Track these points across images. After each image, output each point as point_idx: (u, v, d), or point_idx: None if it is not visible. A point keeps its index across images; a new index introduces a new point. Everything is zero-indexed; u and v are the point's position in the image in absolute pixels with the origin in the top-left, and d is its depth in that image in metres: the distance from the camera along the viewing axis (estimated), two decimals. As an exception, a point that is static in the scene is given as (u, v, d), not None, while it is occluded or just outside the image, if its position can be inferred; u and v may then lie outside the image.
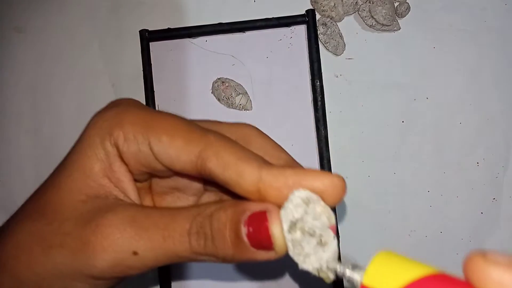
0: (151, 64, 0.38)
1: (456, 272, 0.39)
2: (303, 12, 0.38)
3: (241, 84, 0.38)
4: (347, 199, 0.37)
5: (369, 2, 0.38)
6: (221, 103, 0.38)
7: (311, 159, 0.37)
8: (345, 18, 0.38)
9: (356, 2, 0.38)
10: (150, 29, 0.38)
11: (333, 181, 0.20)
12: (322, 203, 0.20)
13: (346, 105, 0.38)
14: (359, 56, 0.38)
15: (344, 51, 0.38)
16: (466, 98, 0.38)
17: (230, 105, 0.38)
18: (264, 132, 0.38)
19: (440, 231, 0.37)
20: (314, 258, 0.19)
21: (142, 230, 0.20)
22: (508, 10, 0.38)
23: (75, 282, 0.21)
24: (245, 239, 0.19)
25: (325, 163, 0.36)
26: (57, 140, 0.39)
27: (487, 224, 0.37)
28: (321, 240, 0.19)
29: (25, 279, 0.22)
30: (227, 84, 0.38)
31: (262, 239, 0.19)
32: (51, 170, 0.40)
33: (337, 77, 0.38)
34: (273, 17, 0.38)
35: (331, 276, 0.20)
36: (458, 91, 0.38)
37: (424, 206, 0.37)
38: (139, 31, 0.38)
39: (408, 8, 0.38)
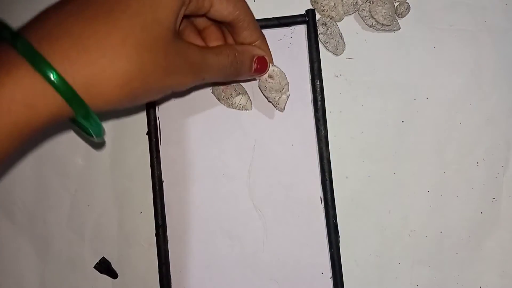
0: (151, 64, 0.38)
1: (456, 274, 0.39)
2: (303, 12, 0.38)
3: (241, 84, 0.38)
4: (347, 199, 0.37)
5: (369, 2, 0.38)
6: (221, 103, 0.38)
7: (311, 159, 0.37)
8: (345, 18, 0.38)
9: (356, 2, 0.38)
10: (150, 29, 0.38)
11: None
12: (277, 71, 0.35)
13: (346, 105, 0.38)
14: (359, 56, 0.38)
15: (344, 51, 0.38)
16: (466, 98, 0.38)
17: (230, 105, 0.38)
18: (264, 132, 0.38)
19: (440, 231, 0.37)
20: (273, 95, 0.36)
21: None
22: (508, 10, 0.38)
23: None
24: (254, 66, 0.34)
25: (325, 163, 0.36)
26: (57, 140, 0.39)
27: (487, 224, 0.37)
28: (281, 89, 0.36)
29: None
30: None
31: (262, 68, 0.34)
32: (51, 170, 0.41)
33: (337, 77, 0.38)
34: (273, 17, 0.38)
35: (282, 105, 0.36)
36: (458, 91, 0.38)
37: (424, 206, 0.37)
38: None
39: (408, 8, 0.38)
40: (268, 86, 0.35)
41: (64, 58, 0.23)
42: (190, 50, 0.28)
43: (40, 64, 0.22)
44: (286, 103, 0.36)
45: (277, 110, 0.38)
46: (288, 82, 0.36)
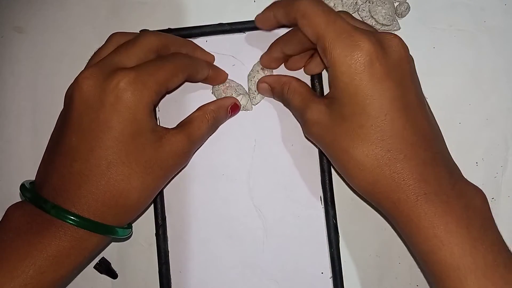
0: (151, 64, 0.38)
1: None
2: (303, 12, 0.38)
3: (242, 85, 0.38)
4: (347, 199, 0.37)
5: (369, 2, 0.38)
6: (221, 103, 0.38)
7: (311, 159, 0.37)
8: (345, 18, 0.38)
9: (356, 2, 0.38)
10: (150, 29, 0.38)
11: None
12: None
13: (346, 105, 0.38)
14: (359, 56, 0.38)
15: (344, 51, 0.38)
16: (466, 98, 0.38)
17: (230, 105, 0.38)
18: (264, 132, 0.39)
19: (439, 231, 0.37)
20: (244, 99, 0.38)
21: None
22: (508, 10, 0.38)
23: None
24: (229, 114, 0.37)
25: (325, 163, 0.37)
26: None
27: (487, 224, 0.37)
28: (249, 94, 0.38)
29: None
30: (227, 85, 0.38)
31: (235, 112, 0.38)
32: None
33: (337, 77, 0.38)
34: (273, 17, 0.38)
35: (258, 100, 0.38)
36: (457, 91, 0.38)
37: (423, 206, 0.37)
38: (139, 31, 0.38)
39: (408, 8, 0.38)
40: (258, 76, 0.37)
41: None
42: (176, 146, 0.33)
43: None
44: (260, 101, 0.38)
45: (247, 106, 0.38)
46: None
